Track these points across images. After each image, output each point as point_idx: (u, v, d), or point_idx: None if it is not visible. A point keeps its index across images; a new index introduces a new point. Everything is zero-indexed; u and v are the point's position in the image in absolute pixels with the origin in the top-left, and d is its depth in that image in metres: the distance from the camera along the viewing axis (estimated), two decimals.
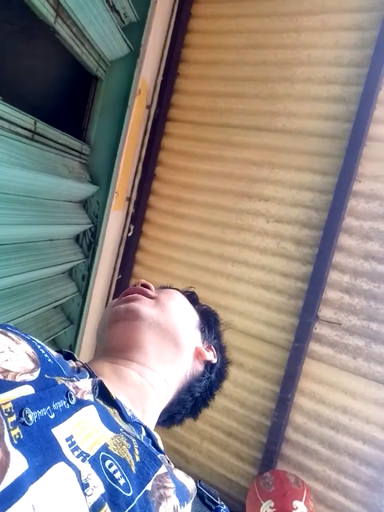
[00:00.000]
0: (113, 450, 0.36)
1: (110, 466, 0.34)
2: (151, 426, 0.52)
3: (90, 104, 1.85)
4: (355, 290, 1.72)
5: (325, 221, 1.74)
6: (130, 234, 2.17)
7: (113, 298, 1.99)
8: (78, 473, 0.31)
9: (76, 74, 1.78)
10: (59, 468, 0.30)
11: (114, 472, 0.33)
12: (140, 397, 0.51)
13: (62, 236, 1.81)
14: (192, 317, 0.68)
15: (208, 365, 0.67)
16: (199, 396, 0.65)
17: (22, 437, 0.30)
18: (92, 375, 0.46)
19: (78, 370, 0.47)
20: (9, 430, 0.29)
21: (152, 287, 0.68)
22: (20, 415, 0.31)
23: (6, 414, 0.30)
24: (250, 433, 1.91)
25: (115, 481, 0.33)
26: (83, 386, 0.41)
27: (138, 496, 0.33)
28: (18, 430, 0.30)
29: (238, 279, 1.95)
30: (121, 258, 2.19)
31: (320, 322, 1.77)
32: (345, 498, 1.70)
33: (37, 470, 0.29)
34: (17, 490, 0.26)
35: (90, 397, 0.41)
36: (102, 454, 0.34)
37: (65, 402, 0.36)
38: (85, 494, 0.30)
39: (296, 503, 1.55)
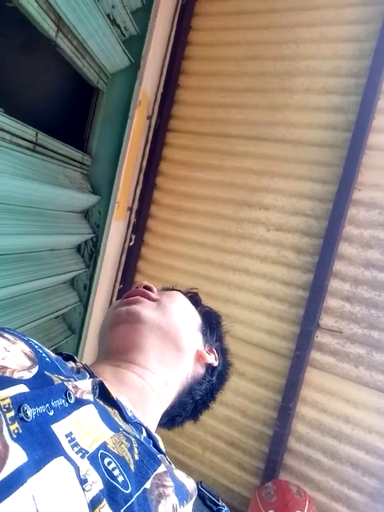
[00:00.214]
0: (112, 449, 0.36)
1: (109, 463, 0.34)
2: (152, 427, 0.52)
3: (91, 115, 1.88)
4: (356, 298, 1.72)
5: (325, 229, 1.74)
6: (131, 244, 2.18)
7: None
8: (77, 468, 0.31)
9: (77, 86, 1.81)
10: (59, 462, 0.31)
11: (113, 470, 0.33)
12: (141, 399, 0.51)
13: (64, 246, 1.82)
14: (194, 319, 0.68)
15: (209, 367, 0.66)
16: (200, 399, 0.65)
17: (20, 431, 0.30)
18: (92, 376, 0.47)
19: (78, 371, 0.47)
20: (7, 425, 0.29)
21: (154, 289, 0.68)
22: (18, 411, 0.31)
23: (4, 410, 0.30)
24: (251, 442, 1.89)
25: (114, 478, 0.33)
26: (83, 386, 0.41)
27: (137, 493, 0.33)
28: (16, 425, 0.30)
29: (238, 288, 1.95)
30: (122, 268, 2.19)
31: (321, 331, 1.76)
32: (348, 509, 1.68)
33: (36, 463, 0.29)
34: (16, 480, 0.26)
35: (89, 397, 0.41)
36: (101, 451, 0.34)
37: (64, 401, 0.37)
38: (83, 490, 0.30)
39: None
